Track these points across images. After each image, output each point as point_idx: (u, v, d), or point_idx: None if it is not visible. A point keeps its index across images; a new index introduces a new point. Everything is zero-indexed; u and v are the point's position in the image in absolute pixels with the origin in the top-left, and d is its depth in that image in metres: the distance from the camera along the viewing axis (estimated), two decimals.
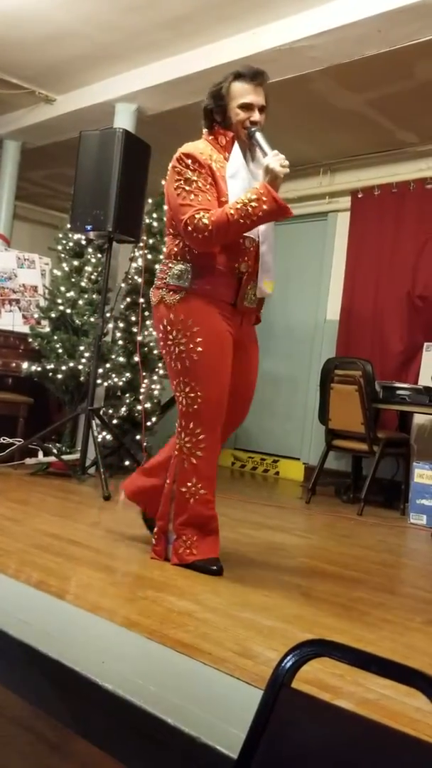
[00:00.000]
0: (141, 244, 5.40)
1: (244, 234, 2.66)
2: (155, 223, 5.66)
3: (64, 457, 4.99)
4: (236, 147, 2.75)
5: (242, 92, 2.72)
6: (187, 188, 2.64)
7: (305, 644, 1.02)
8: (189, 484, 2.73)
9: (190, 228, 2.59)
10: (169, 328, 2.71)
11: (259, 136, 2.70)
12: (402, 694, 1.64)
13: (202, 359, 2.67)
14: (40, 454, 5.11)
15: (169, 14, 4.61)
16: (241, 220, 2.56)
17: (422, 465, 4.72)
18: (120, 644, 1.84)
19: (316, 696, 1.08)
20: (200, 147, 2.73)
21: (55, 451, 5.04)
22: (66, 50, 5.24)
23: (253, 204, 2.56)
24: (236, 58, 4.71)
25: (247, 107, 2.72)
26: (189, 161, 2.66)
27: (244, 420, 2.98)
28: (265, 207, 2.56)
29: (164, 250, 2.88)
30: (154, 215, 5.67)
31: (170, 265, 2.75)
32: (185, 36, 4.86)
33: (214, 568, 2.67)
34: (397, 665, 0.94)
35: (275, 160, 2.60)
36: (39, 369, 5.38)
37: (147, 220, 5.53)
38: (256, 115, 2.72)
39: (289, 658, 1.01)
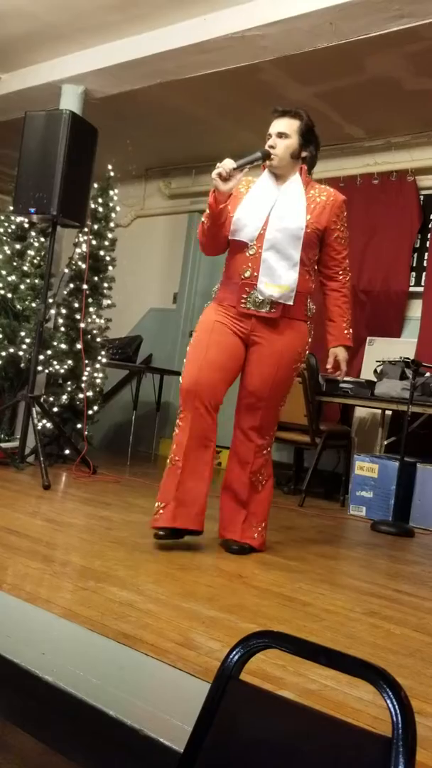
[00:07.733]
0: (86, 230, 5.31)
1: (246, 242, 2.99)
2: (101, 209, 5.58)
3: (3, 444, 4.88)
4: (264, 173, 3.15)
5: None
6: None
7: (254, 636, 1.01)
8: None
9: None
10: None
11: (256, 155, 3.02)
12: (343, 684, 1.65)
13: (189, 348, 3.03)
14: None
15: None
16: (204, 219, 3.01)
17: (362, 457, 4.78)
18: (60, 635, 1.80)
19: (262, 687, 1.07)
20: None
21: None
22: (11, 28, 5.09)
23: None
24: (186, 44, 4.67)
25: (269, 137, 3.08)
26: None
27: (260, 408, 3.29)
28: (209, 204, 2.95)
29: None
30: (100, 200, 5.58)
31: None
32: (135, 19, 4.78)
33: None
34: (345, 656, 0.93)
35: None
36: None
37: (92, 205, 5.43)
38: (270, 141, 3.06)
39: (237, 650, 1.00)
